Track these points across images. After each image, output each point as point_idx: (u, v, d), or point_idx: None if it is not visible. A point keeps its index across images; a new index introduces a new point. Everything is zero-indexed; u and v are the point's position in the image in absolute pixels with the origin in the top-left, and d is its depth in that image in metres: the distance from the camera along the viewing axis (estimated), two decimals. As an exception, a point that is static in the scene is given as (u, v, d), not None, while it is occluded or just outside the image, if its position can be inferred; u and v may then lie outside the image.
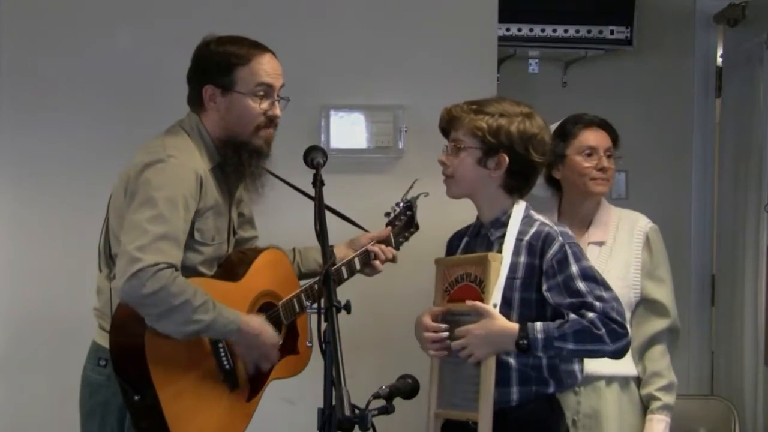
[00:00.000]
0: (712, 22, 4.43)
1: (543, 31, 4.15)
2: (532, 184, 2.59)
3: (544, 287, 2.44)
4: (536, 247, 2.46)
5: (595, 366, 2.82)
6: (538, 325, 2.40)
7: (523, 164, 2.51)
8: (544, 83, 4.44)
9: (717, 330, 4.42)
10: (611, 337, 2.39)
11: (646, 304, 2.93)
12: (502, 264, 2.45)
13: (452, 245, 2.69)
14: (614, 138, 3.00)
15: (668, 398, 2.89)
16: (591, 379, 2.86)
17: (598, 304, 2.40)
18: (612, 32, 4.19)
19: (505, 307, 2.44)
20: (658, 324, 2.92)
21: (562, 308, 2.42)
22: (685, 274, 4.34)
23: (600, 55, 4.32)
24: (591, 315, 2.39)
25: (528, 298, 2.46)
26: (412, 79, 3.54)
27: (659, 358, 2.91)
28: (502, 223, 2.53)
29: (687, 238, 4.45)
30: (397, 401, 2.25)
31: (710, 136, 4.50)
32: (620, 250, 2.94)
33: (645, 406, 2.91)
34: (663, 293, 2.94)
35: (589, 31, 4.18)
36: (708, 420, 4.02)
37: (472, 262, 2.50)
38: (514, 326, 2.41)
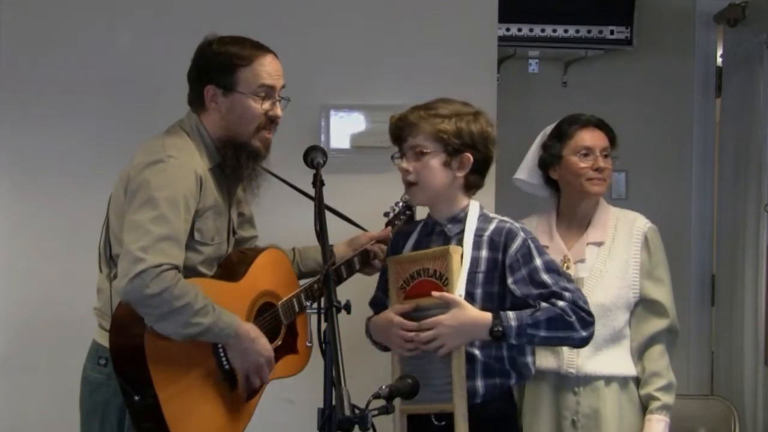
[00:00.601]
0: (712, 22, 4.43)
1: (543, 31, 4.15)
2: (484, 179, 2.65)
3: (510, 280, 2.50)
4: (498, 242, 2.52)
5: (594, 366, 2.86)
6: (511, 313, 2.46)
7: (484, 162, 2.58)
8: (544, 83, 4.44)
9: (717, 330, 4.42)
10: (581, 324, 2.48)
11: (645, 304, 2.93)
12: (463, 256, 2.49)
13: (397, 243, 2.69)
14: (611, 137, 2.99)
15: (667, 398, 2.89)
16: (590, 379, 2.87)
17: (566, 294, 2.48)
18: (612, 32, 4.19)
19: (469, 301, 2.49)
20: (657, 324, 2.91)
21: (531, 299, 2.49)
22: (685, 274, 4.35)
23: (600, 55, 4.32)
24: (561, 303, 2.47)
25: (490, 291, 2.52)
26: (412, 79, 3.54)
27: (658, 358, 2.91)
28: (459, 220, 2.57)
29: (687, 238, 4.45)
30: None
31: (710, 136, 4.50)
32: (619, 250, 2.94)
33: (644, 406, 2.91)
34: (662, 293, 2.93)
35: (589, 31, 4.18)
36: (708, 420, 4.02)
37: (431, 256, 2.52)
38: (486, 315, 2.46)
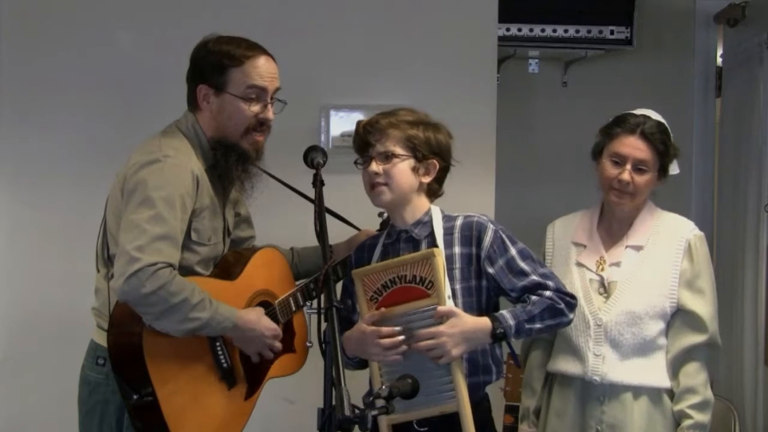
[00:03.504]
0: (712, 22, 4.44)
1: (543, 31, 4.16)
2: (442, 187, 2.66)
3: (491, 271, 2.54)
4: (470, 236, 2.56)
5: (620, 375, 2.73)
6: (505, 312, 2.51)
7: (444, 170, 2.62)
8: (544, 83, 4.44)
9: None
10: (569, 308, 2.56)
11: (683, 316, 2.75)
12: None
13: (362, 257, 2.67)
14: (660, 151, 2.80)
15: (701, 417, 2.71)
16: (617, 389, 2.74)
17: (549, 282, 2.55)
18: (612, 32, 4.19)
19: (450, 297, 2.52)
20: (693, 338, 2.73)
21: (516, 292, 2.54)
22: (685, 274, 4.34)
23: (600, 55, 4.32)
24: (548, 293, 2.53)
25: (468, 286, 2.55)
26: (412, 79, 3.55)
27: (694, 373, 2.74)
28: (424, 223, 2.59)
29: (687, 238, 4.44)
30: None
31: (710, 136, 4.50)
32: (658, 255, 2.78)
33: (677, 422, 2.74)
34: (701, 305, 2.75)
35: (589, 31, 4.18)
36: (708, 420, 4.01)
37: (408, 262, 2.50)
38: (484, 320, 2.48)
